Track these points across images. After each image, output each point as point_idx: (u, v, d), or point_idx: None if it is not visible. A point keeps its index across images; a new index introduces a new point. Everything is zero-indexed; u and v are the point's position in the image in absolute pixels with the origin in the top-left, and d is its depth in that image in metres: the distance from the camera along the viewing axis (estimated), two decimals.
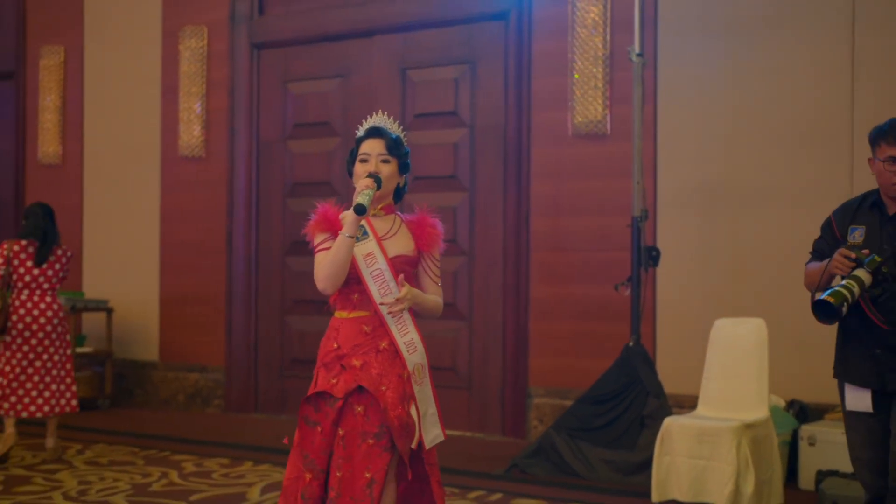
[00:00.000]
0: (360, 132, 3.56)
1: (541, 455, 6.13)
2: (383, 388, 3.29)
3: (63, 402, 6.60)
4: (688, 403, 6.26)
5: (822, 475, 5.49)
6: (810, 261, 4.06)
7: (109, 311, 8.77)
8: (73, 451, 6.70)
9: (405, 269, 3.41)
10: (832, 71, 6.30)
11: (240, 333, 8.51)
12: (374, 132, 3.51)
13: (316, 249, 3.42)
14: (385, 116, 3.60)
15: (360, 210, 3.24)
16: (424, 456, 3.41)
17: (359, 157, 3.49)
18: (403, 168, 3.53)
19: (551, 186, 7.20)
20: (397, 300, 3.31)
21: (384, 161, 3.46)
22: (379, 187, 3.36)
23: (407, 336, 3.37)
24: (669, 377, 6.31)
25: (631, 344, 6.14)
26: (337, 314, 3.46)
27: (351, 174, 3.54)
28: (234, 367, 8.51)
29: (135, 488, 5.63)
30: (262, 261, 8.53)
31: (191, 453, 6.67)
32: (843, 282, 3.63)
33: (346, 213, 3.38)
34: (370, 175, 3.38)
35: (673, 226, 6.72)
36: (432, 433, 3.40)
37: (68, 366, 6.64)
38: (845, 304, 3.59)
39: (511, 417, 7.29)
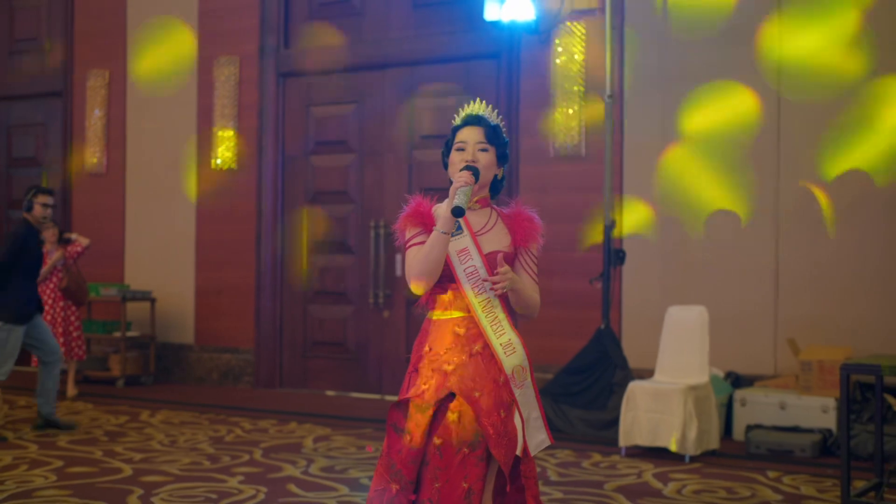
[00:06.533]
0: (457, 120, 3.38)
1: None
2: (477, 393, 3.11)
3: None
4: (647, 375, 7.78)
5: (750, 428, 7.07)
6: None
7: (153, 300, 10.20)
8: (145, 414, 8.16)
9: (497, 264, 3.18)
10: (763, 110, 7.85)
11: (267, 320, 9.97)
12: (473, 120, 3.33)
13: (407, 245, 3.25)
14: (483, 105, 3.40)
15: (459, 213, 3.06)
16: (522, 468, 3.20)
17: (455, 146, 3.29)
18: (502, 158, 3.32)
19: (536, 199, 8.71)
20: (498, 276, 3.12)
21: (482, 150, 3.26)
22: (477, 180, 3.17)
23: (503, 337, 3.19)
24: (632, 353, 7.84)
25: (602, 327, 7.69)
26: (430, 314, 3.29)
27: (446, 165, 3.36)
28: (262, 348, 9.97)
29: (212, 439, 7.11)
30: (287, 257, 9.99)
31: (243, 416, 8.13)
32: None
33: (438, 205, 3.27)
34: (468, 167, 3.18)
35: (636, 232, 8.26)
36: (537, 438, 3.21)
37: None
38: None
39: None
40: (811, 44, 7.64)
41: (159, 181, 10.52)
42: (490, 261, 3.22)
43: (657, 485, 5.89)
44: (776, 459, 6.64)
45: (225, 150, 10.09)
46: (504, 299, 3.26)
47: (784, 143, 7.77)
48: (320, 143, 9.88)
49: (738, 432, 7.28)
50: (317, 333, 9.86)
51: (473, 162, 3.24)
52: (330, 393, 9.62)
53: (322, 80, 9.86)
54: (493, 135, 3.31)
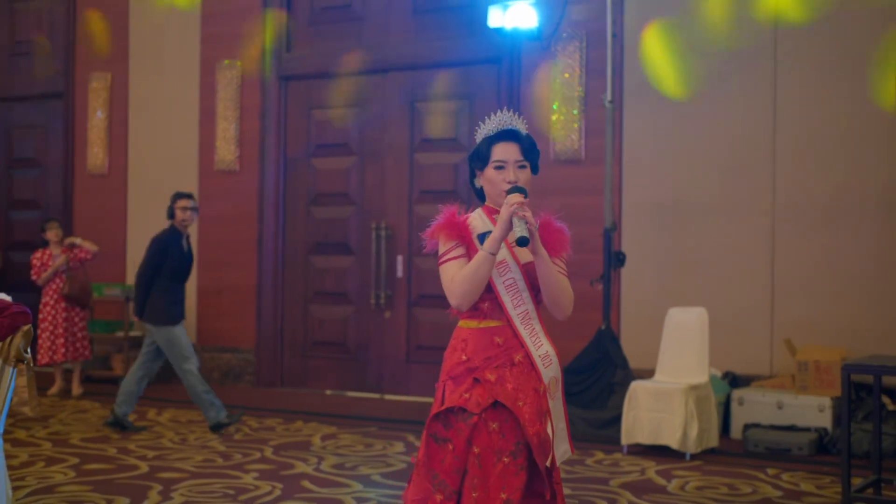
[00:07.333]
0: (489, 130, 3.31)
1: None
2: (520, 403, 3.14)
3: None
4: (646, 374, 7.94)
5: (747, 427, 7.26)
6: None
7: None
8: (152, 412, 8.28)
9: (536, 275, 3.23)
10: (759, 113, 8.03)
11: (268, 319, 10.09)
12: (509, 135, 3.27)
13: (442, 259, 3.24)
14: (512, 114, 3.33)
15: (524, 242, 3.06)
16: (554, 475, 3.24)
17: (493, 163, 3.25)
18: (535, 170, 3.33)
19: (536, 202, 8.84)
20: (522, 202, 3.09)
21: (521, 167, 3.26)
22: (526, 197, 3.16)
23: (542, 349, 3.23)
24: (631, 353, 7.99)
25: (602, 328, 7.85)
26: (463, 323, 3.28)
27: (473, 173, 3.36)
28: (262, 348, 10.09)
29: (221, 437, 7.24)
30: (288, 258, 10.12)
31: (248, 415, 8.25)
32: None
33: (472, 216, 3.28)
34: (518, 190, 3.16)
35: (635, 234, 8.43)
36: (561, 448, 3.25)
37: None
38: None
39: None
40: (807, 54, 7.83)
41: (161, 183, 10.60)
42: (528, 271, 3.25)
43: (661, 481, 6.06)
44: (774, 457, 6.82)
45: (227, 152, 10.21)
46: (539, 309, 3.28)
47: (780, 146, 7.95)
48: (321, 145, 10.01)
49: (736, 431, 7.45)
50: (317, 333, 9.99)
51: (515, 181, 3.22)
52: (328, 392, 9.75)
53: (323, 83, 9.99)
54: (529, 150, 3.29)
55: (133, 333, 10.22)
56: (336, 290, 9.93)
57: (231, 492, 5.56)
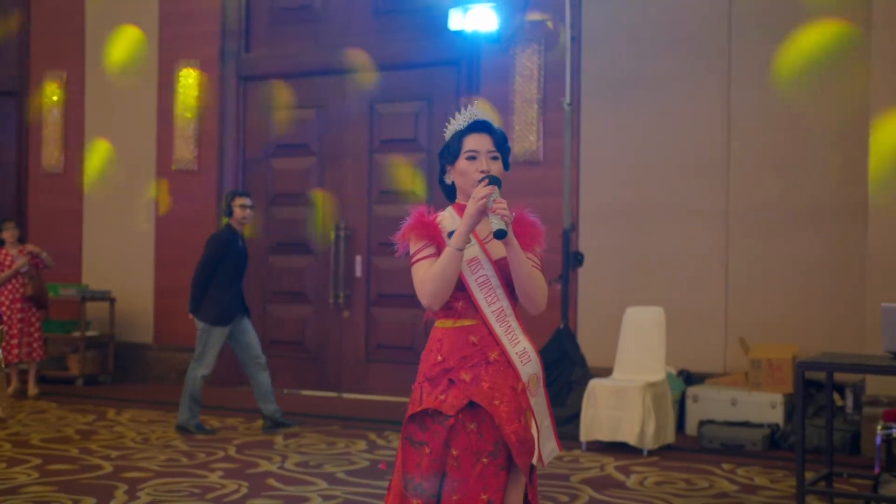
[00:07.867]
0: (459, 124, 3.25)
1: None
2: (496, 402, 3.06)
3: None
4: (602, 372, 8.07)
5: (702, 423, 7.42)
6: None
7: (112, 300, 10.27)
8: (111, 413, 8.27)
9: (509, 271, 3.14)
10: (713, 116, 8.20)
11: None
12: (481, 126, 3.22)
13: (413, 259, 3.18)
14: (482, 109, 3.32)
15: (502, 235, 3.00)
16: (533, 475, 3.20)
17: (465, 154, 3.19)
18: (506, 166, 3.26)
19: None
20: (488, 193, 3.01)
21: (493, 158, 3.19)
22: (500, 187, 3.08)
23: (518, 346, 3.16)
24: (589, 352, 8.12)
25: (561, 327, 7.97)
26: (439, 323, 3.24)
27: (443, 168, 3.29)
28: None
29: (183, 436, 7.25)
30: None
31: (209, 414, 8.27)
32: None
33: (442, 216, 3.23)
34: (490, 178, 3.09)
35: (593, 235, 8.56)
36: (548, 447, 3.20)
37: None
38: None
39: None
40: (760, 52, 7.99)
41: (118, 182, 10.57)
42: (501, 267, 3.18)
43: (620, 477, 6.18)
44: (728, 453, 6.98)
45: (185, 151, 10.19)
46: (516, 306, 3.21)
47: (734, 149, 8.12)
48: (281, 146, 10.03)
49: (691, 427, 7.61)
50: (276, 333, 10.01)
51: (488, 171, 3.15)
52: (285, 391, 9.77)
53: (283, 84, 10.00)
54: (501, 142, 3.24)
55: (89, 333, 10.17)
56: (295, 289, 9.96)
57: (197, 490, 5.60)
